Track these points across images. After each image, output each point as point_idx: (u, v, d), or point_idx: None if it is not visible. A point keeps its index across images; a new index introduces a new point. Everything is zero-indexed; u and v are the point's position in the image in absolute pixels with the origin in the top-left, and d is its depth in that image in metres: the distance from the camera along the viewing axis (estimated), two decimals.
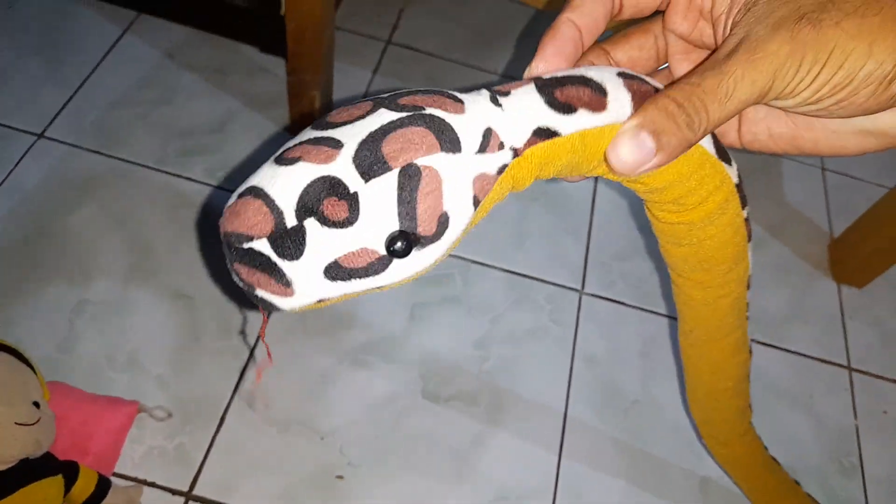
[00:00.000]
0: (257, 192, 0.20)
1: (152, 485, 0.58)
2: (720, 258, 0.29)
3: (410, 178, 0.20)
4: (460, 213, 0.21)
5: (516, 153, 0.22)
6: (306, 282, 0.20)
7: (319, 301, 0.22)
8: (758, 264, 0.82)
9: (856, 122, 0.24)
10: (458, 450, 0.64)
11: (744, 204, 0.28)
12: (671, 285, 0.33)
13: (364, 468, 0.62)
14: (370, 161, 0.19)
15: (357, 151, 0.20)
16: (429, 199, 0.20)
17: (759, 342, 0.76)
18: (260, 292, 0.21)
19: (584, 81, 0.23)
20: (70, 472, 0.53)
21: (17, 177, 0.72)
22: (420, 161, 0.20)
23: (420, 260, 0.21)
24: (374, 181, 0.19)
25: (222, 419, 0.62)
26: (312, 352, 0.67)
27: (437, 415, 0.66)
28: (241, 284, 0.21)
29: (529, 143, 0.22)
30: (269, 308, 0.22)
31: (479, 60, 0.94)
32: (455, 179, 0.20)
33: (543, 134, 0.22)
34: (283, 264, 0.20)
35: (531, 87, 0.22)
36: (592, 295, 0.76)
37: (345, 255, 0.20)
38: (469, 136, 0.21)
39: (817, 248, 0.85)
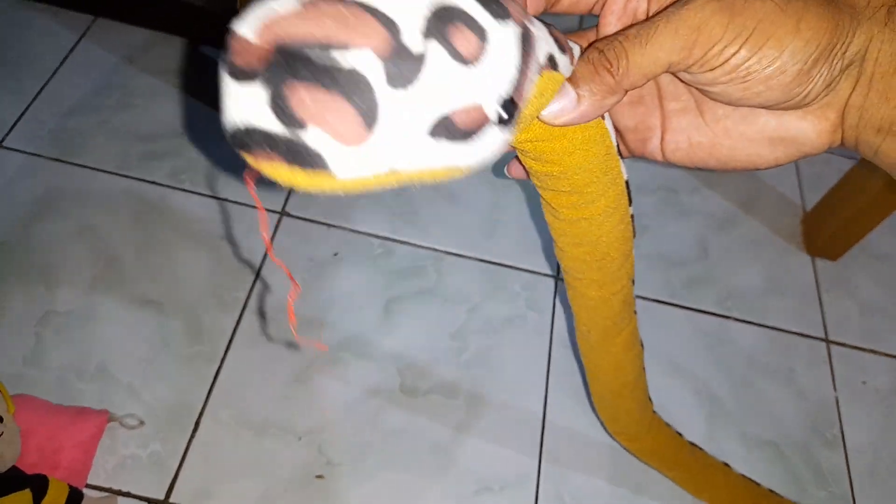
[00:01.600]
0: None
1: (127, 494, 0.57)
2: (614, 255, 0.29)
3: (527, 38, 0.18)
4: (525, 102, 0.19)
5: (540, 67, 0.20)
6: (401, 127, 0.16)
7: (388, 172, 0.16)
8: (732, 240, 0.82)
9: (768, 128, 0.24)
10: (439, 443, 0.63)
11: (630, 201, 0.28)
12: (566, 289, 0.33)
13: (344, 466, 0.61)
14: (495, 2, 0.17)
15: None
16: (530, 67, 0.18)
17: (736, 319, 0.76)
18: (314, 131, 0.15)
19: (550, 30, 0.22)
20: (38, 485, 0.52)
21: None
22: (529, 25, 0.18)
23: (503, 138, 0.18)
24: (501, 25, 0.17)
25: (196, 424, 0.61)
26: (286, 352, 0.66)
27: (416, 409, 0.65)
28: (274, 122, 0.15)
29: (545, 67, 0.20)
30: (311, 165, 0.15)
31: None
32: (538, 58, 0.19)
33: (551, 62, 0.20)
34: (383, 92, 0.15)
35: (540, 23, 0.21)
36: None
37: (459, 110, 0.16)
38: (538, 25, 0.20)
39: (790, 222, 0.85)
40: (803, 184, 0.90)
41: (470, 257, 0.75)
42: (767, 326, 0.76)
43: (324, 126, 0.15)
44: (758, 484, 0.57)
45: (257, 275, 0.70)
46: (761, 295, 0.78)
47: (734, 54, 0.21)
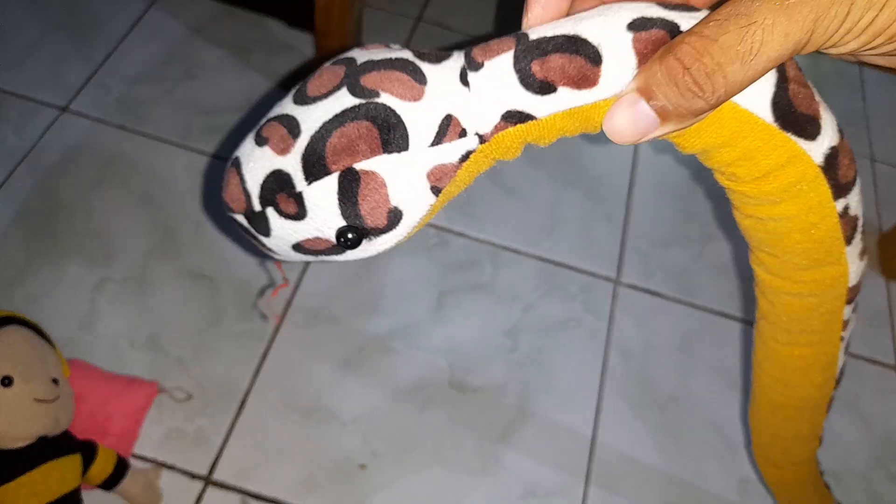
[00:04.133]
0: (237, 166, 0.22)
1: (171, 467, 0.57)
2: (788, 246, 0.25)
3: (350, 182, 0.20)
4: (414, 205, 0.21)
5: (482, 139, 0.21)
6: (281, 252, 0.23)
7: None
8: None
9: None
10: (485, 442, 0.61)
11: (838, 193, 0.23)
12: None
13: (387, 458, 0.60)
14: (313, 161, 0.20)
15: (307, 146, 0.20)
16: (371, 199, 0.20)
17: None
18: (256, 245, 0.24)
19: (576, 47, 0.19)
20: (88, 451, 0.52)
21: (41, 151, 0.71)
22: (360, 166, 0.20)
23: (376, 247, 0.22)
24: (315, 184, 0.20)
25: (243, 403, 0.61)
26: (336, 338, 0.65)
27: (464, 405, 0.63)
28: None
29: (498, 129, 0.21)
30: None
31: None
32: (401, 177, 0.20)
33: (514, 118, 0.20)
34: (260, 237, 0.23)
35: (508, 58, 0.20)
36: (629, 285, 0.73)
37: (305, 240, 0.22)
38: (422, 128, 0.20)
39: (865, 243, 0.81)
40: (880, 203, 0.85)
41: (527, 254, 0.73)
42: None
43: (255, 246, 0.25)
44: None
45: None
46: None
47: (860, 35, 0.17)
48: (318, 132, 0.20)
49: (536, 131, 0.21)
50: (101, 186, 0.70)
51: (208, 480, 0.57)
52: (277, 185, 0.21)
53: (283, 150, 0.21)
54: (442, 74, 0.21)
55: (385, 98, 0.20)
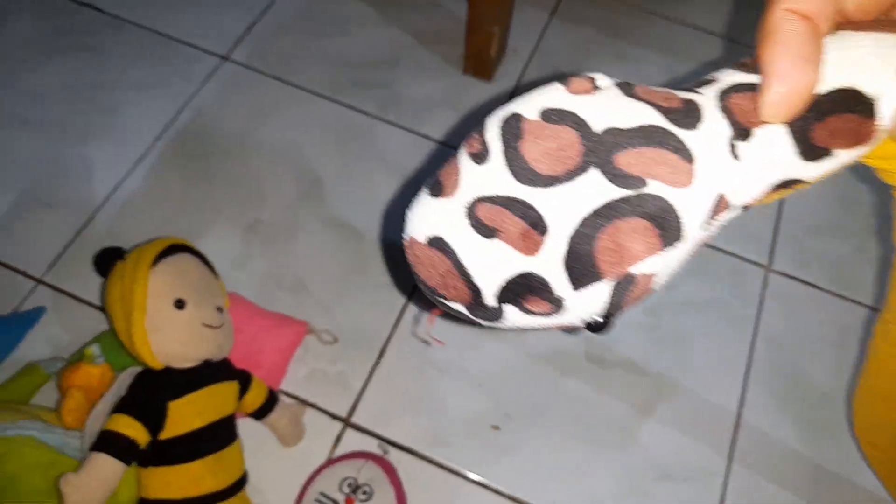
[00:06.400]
0: (446, 251, 0.19)
1: (314, 406, 0.59)
2: None
3: (625, 286, 0.18)
4: (669, 276, 0.19)
5: (745, 208, 0.19)
6: (502, 327, 0.20)
7: None
8: None
9: None
10: (620, 419, 0.60)
11: None
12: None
13: (521, 422, 0.59)
14: (582, 269, 0.18)
15: (570, 251, 0.18)
16: (637, 296, 0.18)
17: None
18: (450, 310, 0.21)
19: (854, 102, 0.17)
20: (244, 379, 0.54)
21: (202, 96, 0.74)
22: (636, 269, 0.18)
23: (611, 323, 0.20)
24: (583, 290, 0.18)
25: (382, 352, 0.62)
26: None
27: (600, 379, 0.61)
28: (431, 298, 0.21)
29: (761, 196, 0.19)
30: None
31: (661, 6, 0.87)
32: (672, 266, 0.18)
33: (783, 185, 0.19)
34: (479, 322, 0.20)
35: (782, 130, 0.18)
36: (781, 273, 0.68)
37: (543, 328, 0.20)
38: (696, 215, 0.18)
39: None
40: None
41: None
42: None
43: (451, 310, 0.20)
44: None
45: None
46: None
47: None
48: (578, 232, 0.17)
49: (797, 188, 0.19)
50: (255, 132, 0.73)
51: (347, 422, 0.58)
52: (527, 289, 0.18)
53: (528, 250, 0.18)
54: (706, 145, 0.18)
55: (655, 187, 0.17)
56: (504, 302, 0.18)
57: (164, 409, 0.48)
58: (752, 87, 0.18)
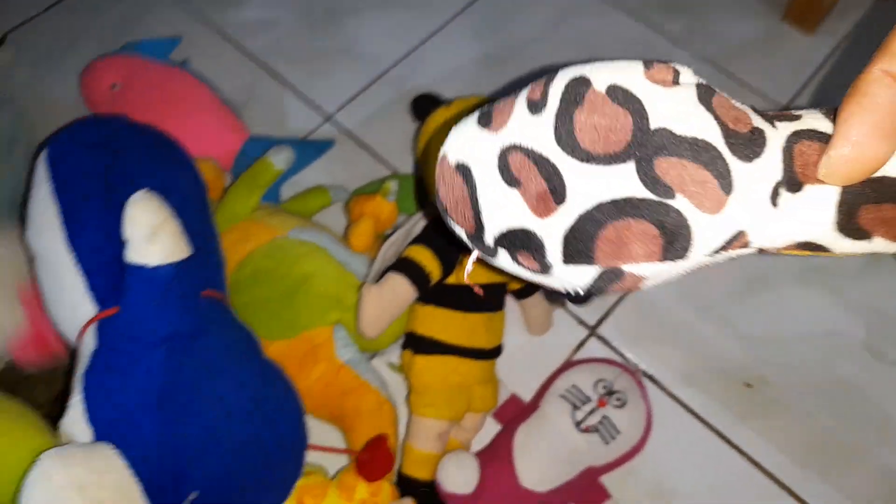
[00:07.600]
0: (468, 181, 0.19)
1: (564, 307, 0.58)
2: None
3: (611, 277, 0.18)
4: (658, 284, 0.19)
5: (762, 251, 0.19)
6: (494, 263, 0.20)
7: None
8: None
9: None
10: (892, 417, 0.54)
11: None
12: None
13: (776, 389, 0.55)
14: (578, 248, 0.18)
15: (573, 227, 0.18)
16: (621, 289, 0.19)
17: None
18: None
19: None
20: None
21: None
22: (628, 268, 0.18)
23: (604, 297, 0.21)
24: (572, 266, 0.18)
25: None
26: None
27: (876, 374, 0.55)
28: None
29: (785, 249, 0.18)
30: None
31: None
32: (662, 276, 0.18)
33: (810, 247, 0.18)
34: (475, 252, 0.20)
35: (835, 193, 0.17)
36: None
37: (528, 277, 0.20)
38: (709, 242, 0.17)
39: None
40: None
41: None
42: None
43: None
44: None
45: None
46: None
47: None
48: (590, 214, 0.18)
49: (821, 254, 0.19)
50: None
51: (593, 331, 0.57)
52: (524, 244, 0.19)
53: (539, 212, 0.18)
54: (751, 183, 0.17)
55: (680, 203, 0.17)
56: (500, 246, 0.19)
57: (457, 256, 0.49)
58: (825, 139, 0.17)
